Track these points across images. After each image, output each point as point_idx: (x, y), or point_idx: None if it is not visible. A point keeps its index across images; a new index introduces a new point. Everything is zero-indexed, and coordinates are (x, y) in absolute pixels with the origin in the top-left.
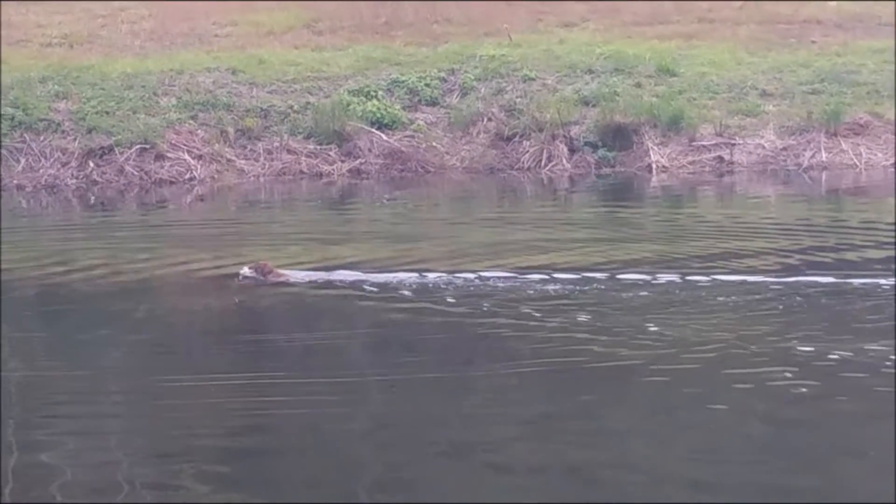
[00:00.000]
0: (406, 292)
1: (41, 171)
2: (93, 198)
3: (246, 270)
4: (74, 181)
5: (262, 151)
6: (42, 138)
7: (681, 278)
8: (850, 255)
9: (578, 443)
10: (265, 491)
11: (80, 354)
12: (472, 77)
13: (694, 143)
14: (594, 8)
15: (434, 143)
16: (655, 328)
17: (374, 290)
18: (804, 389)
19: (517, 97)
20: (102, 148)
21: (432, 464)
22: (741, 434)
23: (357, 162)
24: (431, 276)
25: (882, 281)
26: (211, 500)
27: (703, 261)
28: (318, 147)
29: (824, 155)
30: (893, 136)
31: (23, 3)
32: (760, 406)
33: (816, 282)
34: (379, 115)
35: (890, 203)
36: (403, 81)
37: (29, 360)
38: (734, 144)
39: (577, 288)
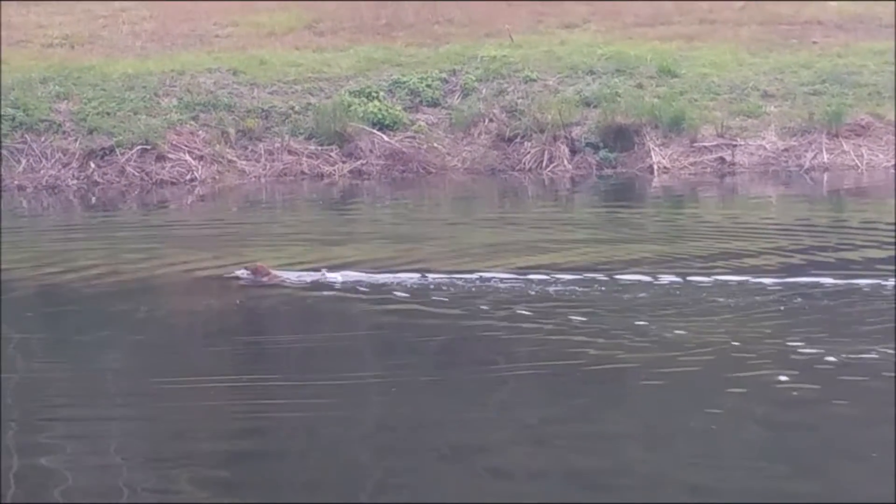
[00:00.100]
0: (406, 293)
1: (42, 171)
2: (94, 198)
3: (242, 272)
4: (75, 182)
5: (263, 152)
6: (43, 139)
7: (681, 279)
8: (852, 256)
9: (578, 447)
10: (265, 495)
11: (80, 355)
12: (474, 78)
13: (695, 145)
14: (595, 9)
15: (435, 144)
16: (655, 330)
17: (374, 290)
18: (804, 392)
19: (518, 98)
20: (103, 149)
21: (432, 468)
22: (740, 438)
23: (358, 163)
24: (431, 276)
25: (883, 282)
26: None
27: (703, 262)
28: (320, 148)
29: (825, 156)
30: (894, 138)
31: (23, 3)
32: (760, 409)
33: (817, 283)
34: (380, 116)
35: (891, 204)
36: (405, 82)
37: (29, 360)
38: (735, 145)
39: (578, 289)
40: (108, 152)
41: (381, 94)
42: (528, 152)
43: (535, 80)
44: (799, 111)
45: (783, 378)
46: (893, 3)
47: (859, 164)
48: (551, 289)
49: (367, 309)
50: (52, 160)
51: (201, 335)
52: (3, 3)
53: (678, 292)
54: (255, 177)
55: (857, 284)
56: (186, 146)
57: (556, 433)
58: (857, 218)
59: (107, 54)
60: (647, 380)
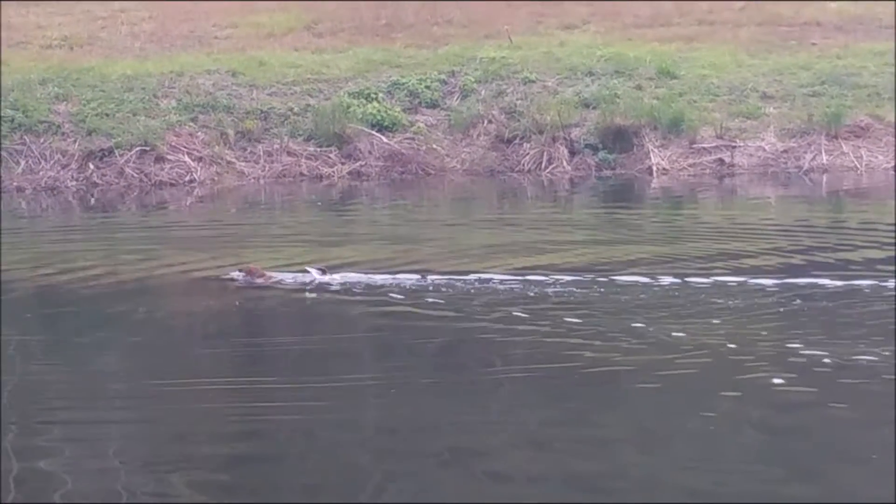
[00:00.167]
0: (404, 294)
1: (41, 173)
2: (93, 200)
3: (236, 273)
4: (74, 183)
5: (262, 153)
6: (42, 140)
7: (680, 280)
8: (851, 258)
9: (577, 451)
10: (263, 498)
11: (78, 357)
12: (473, 79)
13: (694, 146)
14: (595, 10)
15: (434, 146)
16: (654, 331)
17: (371, 292)
18: (803, 394)
19: (517, 99)
20: (102, 150)
21: (431, 471)
22: (739, 441)
23: (357, 164)
24: (430, 278)
25: (882, 283)
26: None
27: (702, 263)
28: (319, 149)
29: (825, 157)
30: (894, 139)
31: (23, 4)
32: (759, 412)
33: (816, 284)
34: (379, 118)
35: (890, 205)
36: (404, 83)
37: (28, 362)
38: (735, 147)
39: (577, 290)
40: (107, 153)
41: (380, 95)
42: (527, 153)
43: (534, 82)
44: (798, 112)
45: (782, 380)
46: (894, 3)
47: (858, 166)
48: (550, 290)
49: (365, 311)
50: (51, 161)
51: (200, 337)
52: (2, 4)
53: (677, 293)
54: (254, 178)
55: (857, 286)
56: (185, 147)
57: (554, 436)
58: (857, 219)
59: (106, 55)
60: (648, 382)
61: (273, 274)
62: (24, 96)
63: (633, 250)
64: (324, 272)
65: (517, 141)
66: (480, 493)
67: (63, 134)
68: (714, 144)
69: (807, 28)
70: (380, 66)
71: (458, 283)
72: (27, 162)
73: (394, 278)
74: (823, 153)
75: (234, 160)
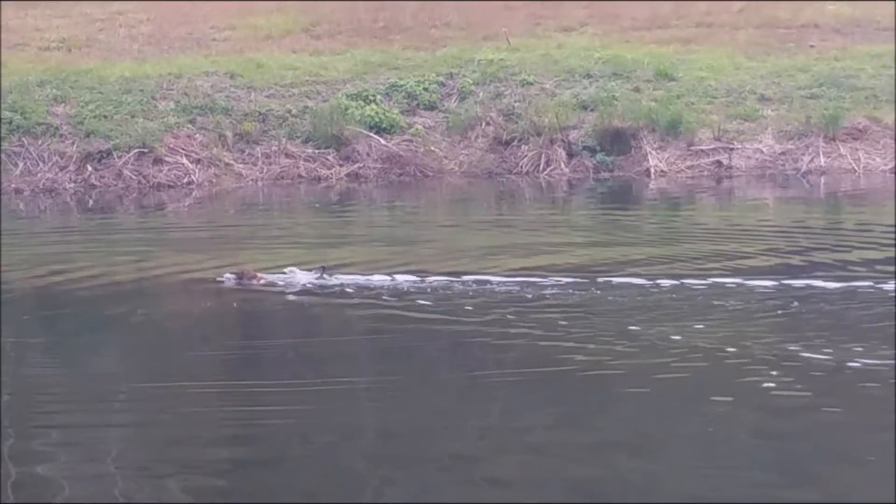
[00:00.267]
0: (402, 296)
1: (39, 174)
2: (91, 201)
3: (228, 276)
4: (73, 185)
5: (260, 155)
6: (40, 142)
7: (677, 282)
8: (849, 260)
9: (574, 456)
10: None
11: (75, 359)
12: (471, 81)
13: (692, 148)
14: (593, 12)
15: (432, 148)
16: (651, 334)
17: (369, 293)
18: (801, 397)
19: (515, 101)
20: (101, 152)
21: (429, 476)
22: (736, 444)
23: (355, 166)
24: (428, 279)
25: (881, 286)
26: None
27: (699, 264)
28: (317, 151)
29: (823, 159)
30: (891, 141)
31: (21, 5)
32: (756, 415)
33: (815, 286)
34: (377, 120)
35: (888, 207)
36: (402, 85)
37: (25, 364)
38: (733, 149)
39: (574, 292)
40: (105, 155)
41: (378, 97)
42: (525, 156)
43: (532, 84)
44: (796, 115)
45: (779, 383)
46: (894, 3)
47: (856, 168)
48: (547, 292)
49: (362, 313)
50: (50, 163)
51: (198, 339)
52: (1, 6)
53: (674, 295)
54: (252, 180)
55: (855, 287)
56: (183, 149)
57: (552, 441)
58: (855, 220)
59: (104, 57)
60: (643, 386)
61: (265, 275)
62: (23, 98)
63: (630, 252)
64: (322, 270)
65: (515, 143)
66: (479, 498)
67: (61, 136)
68: (712, 146)
69: (804, 30)
70: (378, 68)
71: (456, 285)
72: (25, 164)
73: (391, 280)
74: (821, 155)
75: (232, 162)
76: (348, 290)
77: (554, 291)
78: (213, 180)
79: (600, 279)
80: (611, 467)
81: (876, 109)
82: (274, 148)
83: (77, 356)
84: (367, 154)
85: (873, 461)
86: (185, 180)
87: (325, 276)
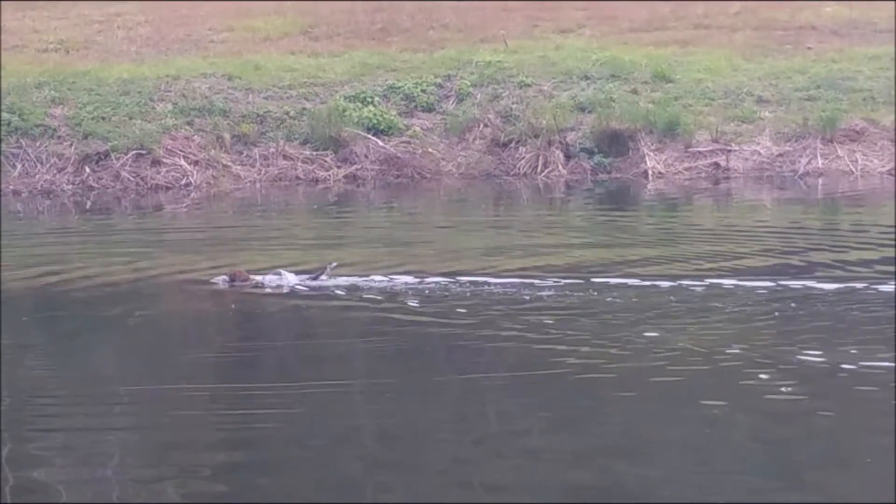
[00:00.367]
0: (399, 298)
1: (37, 176)
2: (89, 203)
3: (221, 278)
4: (71, 187)
5: (258, 157)
6: (38, 144)
7: (675, 283)
8: (847, 261)
9: (570, 461)
10: None
11: (72, 361)
12: (469, 83)
13: (690, 150)
14: (590, 14)
15: (430, 149)
16: (649, 336)
17: (367, 295)
18: (800, 399)
19: (513, 103)
20: (98, 153)
21: (427, 479)
22: (733, 448)
23: (353, 168)
24: (426, 280)
25: (879, 287)
26: None
27: (697, 266)
28: (315, 153)
29: (820, 161)
30: (889, 143)
31: (19, 7)
32: (753, 418)
33: (812, 287)
34: (375, 121)
35: (886, 208)
36: (399, 87)
37: (22, 366)
38: (730, 151)
39: (570, 293)
40: (103, 157)
41: (376, 99)
42: (523, 157)
43: (529, 86)
44: (793, 116)
45: (777, 385)
46: (894, 3)
47: (854, 170)
48: (544, 293)
49: (360, 315)
50: (48, 165)
51: (196, 341)
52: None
53: (671, 296)
54: (250, 182)
55: (853, 288)
56: (181, 151)
57: (548, 444)
58: (852, 222)
59: (102, 59)
60: (640, 388)
61: (257, 277)
62: (21, 100)
63: (627, 253)
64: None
65: (513, 145)
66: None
67: (59, 137)
68: (710, 148)
69: (802, 32)
70: (375, 69)
71: (453, 287)
72: (23, 165)
73: (389, 281)
74: (819, 157)
75: (230, 164)
76: (345, 291)
77: (551, 293)
78: (211, 182)
79: (598, 280)
80: (606, 471)
81: (873, 111)
82: (272, 150)
83: (74, 358)
84: (365, 156)
85: (870, 464)
86: (183, 182)
87: (328, 274)
